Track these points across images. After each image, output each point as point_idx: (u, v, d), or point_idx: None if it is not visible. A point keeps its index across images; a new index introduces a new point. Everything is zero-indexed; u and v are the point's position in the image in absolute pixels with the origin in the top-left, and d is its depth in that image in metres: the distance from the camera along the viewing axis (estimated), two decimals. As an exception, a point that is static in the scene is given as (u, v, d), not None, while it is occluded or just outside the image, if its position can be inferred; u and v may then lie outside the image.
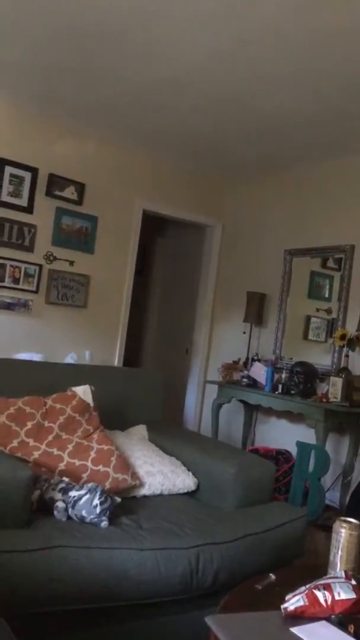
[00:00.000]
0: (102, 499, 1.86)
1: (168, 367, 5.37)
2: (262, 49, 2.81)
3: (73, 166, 4.35)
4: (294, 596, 1.31)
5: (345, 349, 3.96)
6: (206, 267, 5.30)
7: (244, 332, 4.81)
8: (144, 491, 2.23)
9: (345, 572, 1.43)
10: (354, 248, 4.08)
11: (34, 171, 4.15)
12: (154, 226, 5.60)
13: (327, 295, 4.33)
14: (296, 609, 1.28)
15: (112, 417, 2.53)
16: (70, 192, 4.33)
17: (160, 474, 2.28)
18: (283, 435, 4.36)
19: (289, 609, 1.28)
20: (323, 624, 1.25)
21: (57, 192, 4.27)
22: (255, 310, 4.67)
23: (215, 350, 5.24)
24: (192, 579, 1.80)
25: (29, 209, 4.14)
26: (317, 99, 3.29)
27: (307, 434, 3.87)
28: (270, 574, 1.52)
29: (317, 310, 4.39)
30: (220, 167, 4.86)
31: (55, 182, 4.25)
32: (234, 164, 4.72)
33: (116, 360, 4.66)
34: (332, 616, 1.28)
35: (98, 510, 1.84)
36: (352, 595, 1.30)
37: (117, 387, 2.80)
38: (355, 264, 4.08)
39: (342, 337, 3.92)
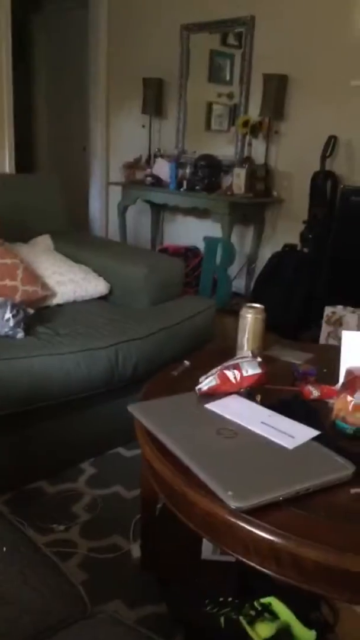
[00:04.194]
0: (14, 312, 1.84)
1: (66, 171, 5.04)
2: None
3: None
4: (206, 378, 1.42)
5: (248, 137, 3.85)
6: (94, 49, 4.68)
7: (143, 126, 4.50)
8: (57, 300, 2.22)
9: (252, 351, 1.56)
10: (254, 19, 3.71)
11: None
12: (28, 1, 4.72)
13: (228, 78, 4.03)
14: (209, 388, 1.40)
15: (12, 228, 2.38)
16: None
17: (71, 282, 2.26)
18: (191, 232, 4.42)
19: (202, 389, 1.40)
20: (233, 397, 1.39)
21: None
22: (154, 98, 4.31)
23: (114, 148, 4.92)
24: (113, 374, 1.92)
25: None
26: None
27: (214, 229, 3.93)
28: (185, 361, 1.62)
29: (219, 95, 4.12)
30: None
31: None
32: None
33: (7, 167, 4.27)
34: (241, 390, 1.42)
35: (11, 323, 1.83)
36: (258, 371, 1.43)
37: (12, 196, 2.59)
38: (256, 38, 3.74)
39: (245, 123, 3.78)
